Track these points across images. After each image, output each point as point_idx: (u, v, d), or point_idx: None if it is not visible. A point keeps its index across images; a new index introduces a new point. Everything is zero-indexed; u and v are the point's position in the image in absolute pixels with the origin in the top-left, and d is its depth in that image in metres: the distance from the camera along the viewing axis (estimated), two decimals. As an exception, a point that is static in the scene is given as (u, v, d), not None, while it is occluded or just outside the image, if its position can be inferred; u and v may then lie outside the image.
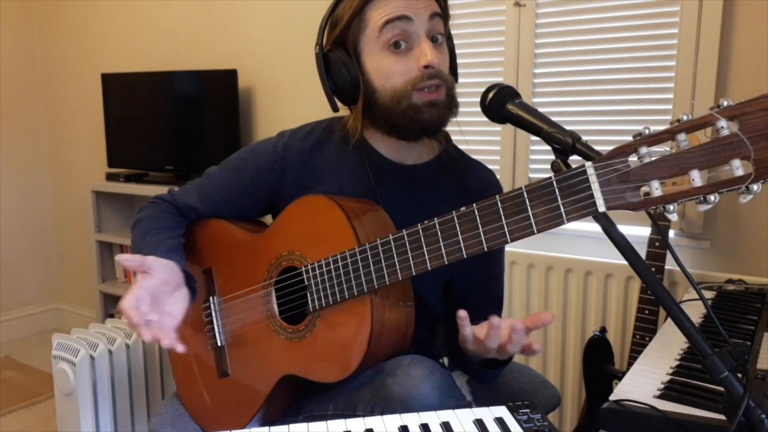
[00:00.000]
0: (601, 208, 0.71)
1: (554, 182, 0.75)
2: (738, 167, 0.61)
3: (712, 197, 0.63)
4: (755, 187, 0.61)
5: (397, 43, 1.00)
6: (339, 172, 1.11)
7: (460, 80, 1.12)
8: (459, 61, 1.13)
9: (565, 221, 0.74)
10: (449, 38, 1.10)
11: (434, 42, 1.02)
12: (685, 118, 0.64)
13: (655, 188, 0.67)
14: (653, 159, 0.66)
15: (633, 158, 0.68)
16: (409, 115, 1.01)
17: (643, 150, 0.67)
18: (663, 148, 0.66)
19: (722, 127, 0.62)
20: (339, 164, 1.12)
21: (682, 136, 0.64)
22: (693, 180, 0.64)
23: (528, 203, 0.77)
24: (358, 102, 1.05)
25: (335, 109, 1.08)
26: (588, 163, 0.72)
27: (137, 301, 0.95)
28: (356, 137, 1.10)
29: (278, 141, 1.14)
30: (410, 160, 1.12)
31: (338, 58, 1.04)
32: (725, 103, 0.62)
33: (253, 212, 1.19)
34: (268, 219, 1.21)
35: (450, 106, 1.03)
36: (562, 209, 0.74)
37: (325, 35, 1.07)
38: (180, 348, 0.96)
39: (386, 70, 1.01)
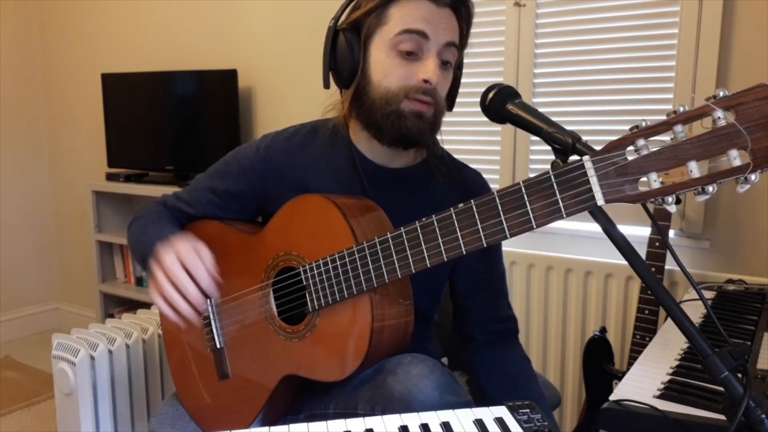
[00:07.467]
0: (600, 201, 0.71)
1: (552, 177, 0.74)
2: (735, 157, 0.61)
3: (710, 188, 0.63)
4: (753, 176, 0.61)
5: (407, 50, 1.01)
6: (324, 174, 1.11)
7: (460, 80, 1.12)
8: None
9: (564, 215, 0.74)
10: (459, 67, 1.10)
11: (442, 65, 1.03)
12: (681, 109, 0.64)
13: (654, 180, 0.67)
14: (651, 151, 0.66)
15: (630, 151, 0.68)
16: (392, 119, 1.02)
17: (641, 142, 0.66)
18: (660, 140, 0.66)
19: (719, 118, 0.62)
20: (324, 165, 1.12)
21: (679, 128, 0.64)
22: (691, 171, 0.64)
23: (526, 198, 0.77)
24: (350, 88, 1.05)
25: (327, 85, 1.08)
26: (586, 157, 0.71)
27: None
28: (341, 124, 1.11)
29: (261, 143, 1.15)
30: (396, 164, 1.12)
31: (347, 39, 1.04)
32: (721, 94, 0.62)
33: (243, 215, 1.19)
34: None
35: (433, 126, 1.04)
36: (561, 203, 0.74)
37: (344, 14, 1.06)
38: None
39: (388, 69, 1.01)
